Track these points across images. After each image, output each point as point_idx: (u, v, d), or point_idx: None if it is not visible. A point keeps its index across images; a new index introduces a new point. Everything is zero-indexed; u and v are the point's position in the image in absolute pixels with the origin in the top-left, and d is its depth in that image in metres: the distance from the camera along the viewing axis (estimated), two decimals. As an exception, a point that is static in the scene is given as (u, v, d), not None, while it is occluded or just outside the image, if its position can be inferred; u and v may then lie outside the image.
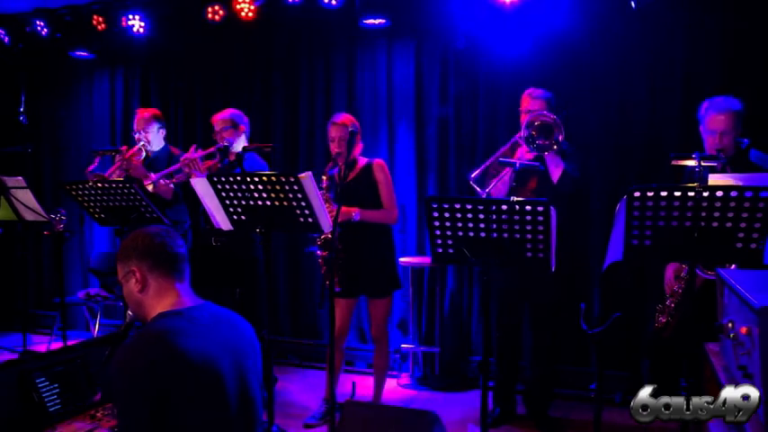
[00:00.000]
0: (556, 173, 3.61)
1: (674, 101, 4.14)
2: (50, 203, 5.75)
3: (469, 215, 2.48)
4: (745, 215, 2.25)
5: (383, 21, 4.65)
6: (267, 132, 5.27)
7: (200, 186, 3.24)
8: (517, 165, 3.26)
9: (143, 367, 1.69)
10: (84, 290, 5.62)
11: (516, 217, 2.43)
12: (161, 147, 4.52)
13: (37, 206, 4.48)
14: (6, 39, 5.84)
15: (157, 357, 1.71)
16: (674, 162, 3.10)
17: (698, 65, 4.10)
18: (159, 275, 1.90)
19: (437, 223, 2.54)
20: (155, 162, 4.41)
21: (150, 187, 3.98)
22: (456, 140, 4.77)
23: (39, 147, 6.16)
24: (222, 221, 3.22)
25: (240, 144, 4.16)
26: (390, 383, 4.45)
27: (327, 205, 3.36)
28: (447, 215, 2.51)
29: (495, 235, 2.49)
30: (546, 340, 3.84)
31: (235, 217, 3.11)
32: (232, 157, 4.17)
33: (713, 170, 3.02)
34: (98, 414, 2.28)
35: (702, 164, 2.88)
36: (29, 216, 4.58)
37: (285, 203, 2.94)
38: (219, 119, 4.20)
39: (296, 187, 2.87)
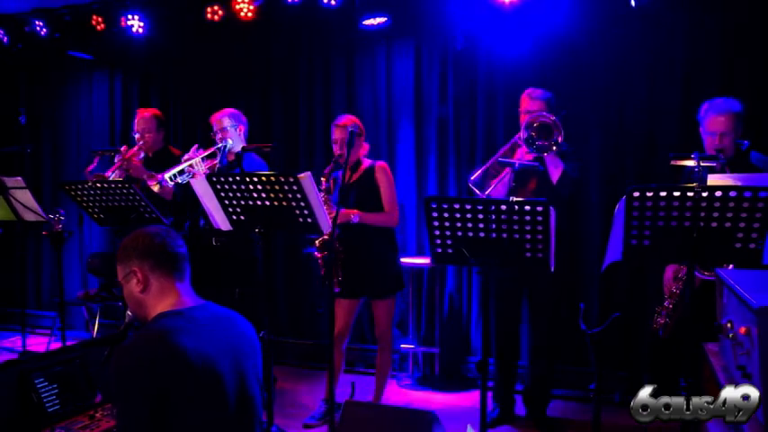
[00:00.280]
0: (555, 173, 3.61)
1: (674, 101, 4.14)
2: (49, 203, 5.76)
3: (469, 215, 2.47)
4: (743, 215, 2.25)
5: (383, 20, 4.65)
6: (267, 132, 5.25)
7: (200, 186, 3.23)
8: (516, 165, 3.27)
9: (143, 367, 1.69)
10: (82, 290, 5.62)
11: (516, 217, 2.43)
12: (161, 147, 4.52)
13: (36, 206, 4.47)
14: (5, 39, 5.84)
15: (158, 357, 1.70)
16: (673, 162, 3.11)
17: (698, 65, 4.10)
18: (160, 275, 1.90)
19: (436, 223, 2.54)
20: (155, 162, 4.40)
21: (156, 188, 3.95)
22: (455, 140, 4.77)
23: (38, 147, 6.16)
24: (222, 222, 3.21)
25: (239, 144, 4.16)
26: (390, 384, 4.45)
27: (327, 207, 3.35)
28: (446, 215, 2.51)
29: (494, 235, 2.48)
30: (545, 340, 3.84)
31: (234, 217, 3.10)
32: (231, 157, 4.16)
33: (712, 170, 3.03)
34: (97, 414, 2.28)
35: (701, 164, 2.89)
36: (28, 216, 4.57)
37: (284, 204, 2.93)
38: (218, 118, 4.19)
39: (295, 187, 2.86)
